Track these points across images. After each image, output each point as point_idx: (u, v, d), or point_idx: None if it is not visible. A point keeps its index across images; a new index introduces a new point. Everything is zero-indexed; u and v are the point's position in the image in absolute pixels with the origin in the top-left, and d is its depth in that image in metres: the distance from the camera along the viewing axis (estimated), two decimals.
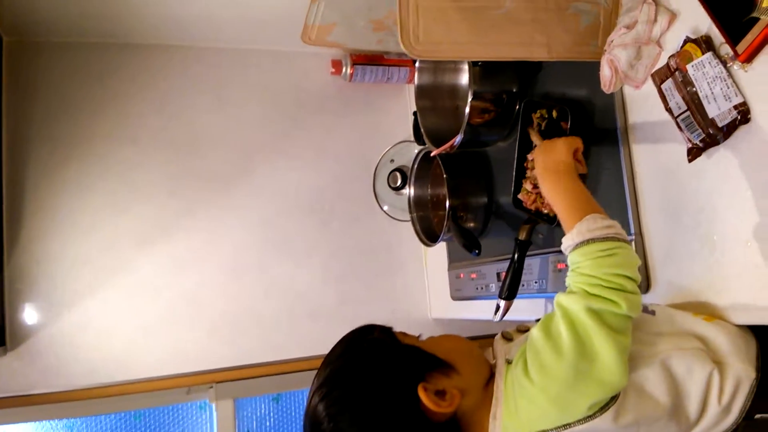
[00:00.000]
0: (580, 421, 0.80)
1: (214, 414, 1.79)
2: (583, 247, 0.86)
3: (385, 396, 0.84)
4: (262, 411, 1.88)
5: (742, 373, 0.88)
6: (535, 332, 0.84)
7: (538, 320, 1.03)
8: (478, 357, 0.93)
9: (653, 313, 0.94)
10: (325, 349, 0.93)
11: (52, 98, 1.75)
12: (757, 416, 0.90)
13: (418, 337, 0.96)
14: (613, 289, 0.81)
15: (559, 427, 0.81)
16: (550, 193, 1.01)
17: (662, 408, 0.84)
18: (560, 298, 0.84)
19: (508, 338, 0.99)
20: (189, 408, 1.83)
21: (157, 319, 1.74)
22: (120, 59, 1.82)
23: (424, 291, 2.02)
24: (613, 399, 0.81)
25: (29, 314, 1.65)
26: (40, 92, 1.74)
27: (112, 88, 1.80)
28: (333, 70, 1.94)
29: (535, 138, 1.22)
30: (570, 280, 0.86)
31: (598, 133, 1.17)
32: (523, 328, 1.03)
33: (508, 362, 0.89)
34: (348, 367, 0.88)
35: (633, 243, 1.08)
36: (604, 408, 0.80)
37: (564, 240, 0.90)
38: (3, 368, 1.60)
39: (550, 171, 1.03)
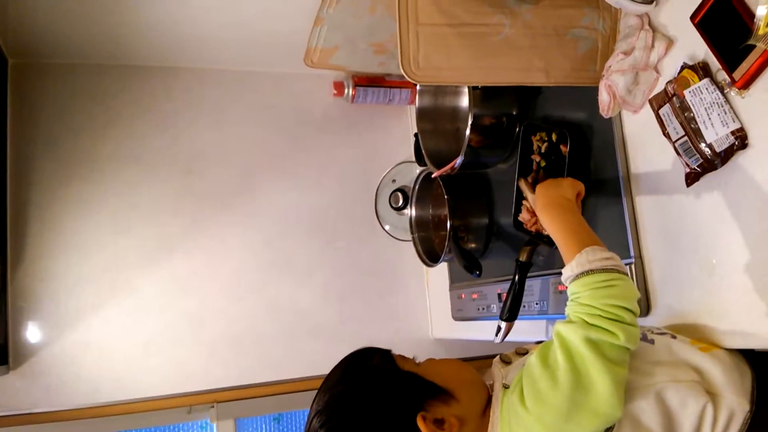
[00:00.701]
0: None
1: None
2: (582, 278, 0.87)
3: (384, 425, 0.85)
4: (263, 431, 1.88)
5: (736, 405, 0.87)
6: (533, 360, 0.85)
7: (538, 342, 1.04)
8: (476, 384, 0.93)
9: (652, 342, 0.94)
10: (327, 368, 0.94)
11: (56, 119, 1.77)
12: None
13: (415, 359, 0.96)
14: (611, 320, 0.81)
15: None
16: (551, 226, 1.02)
17: None
18: (559, 327, 0.85)
19: (506, 361, 0.99)
20: (190, 428, 1.83)
21: (158, 339, 1.75)
22: (123, 81, 1.84)
23: (426, 311, 2.02)
24: (608, 430, 0.81)
25: (32, 333, 1.66)
26: (44, 113, 1.76)
27: (116, 109, 1.82)
28: (335, 91, 1.96)
29: (526, 190, 1.23)
30: (569, 309, 0.87)
31: (596, 156, 1.18)
32: (521, 351, 1.03)
33: (505, 387, 0.90)
34: (347, 395, 0.88)
35: (633, 266, 1.08)
36: None
37: (564, 271, 0.91)
38: (6, 387, 1.61)
39: (553, 205, 1.05)
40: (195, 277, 1.81)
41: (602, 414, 0.79)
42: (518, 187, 1.31)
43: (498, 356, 1.01)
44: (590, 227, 0.99)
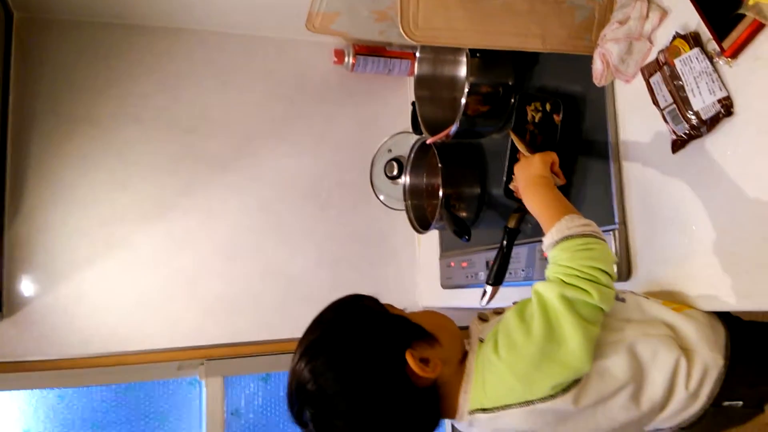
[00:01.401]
0: (542, 400, 0.84)
1: (204, 391, 1.82)
2: (562, 243, 0.91)
3: (372, 359, 0.88)
4: (251, 390, 1.91)
5: (709, 360, 0.91)
6: (509, 314, 0.89)
7: (515, 303, 1.08)
8: (455, 333, 0.97)
9: (623, 300, 0.98)
10: None
11: (59, 74, 1.78)
12: (725, 403, 0.93)
13: (403, 310, 1.00)
14: (587, 280, 0.85)
15: (522, 403, 0.85)
16: (530, 204, 1.07)
17: (623, 390, 0.88)
18: (537, 285, 0.89)
19: (483, 319, 1.04)
20: (179, 384, 1.86)
21: (151, 294, 1.77)
22: (127, 40, 1.85)
23: (416, 279, 2.06)
24: (576, 382, 0.85)
25: (27, 282, 1.68)
26: (47, 68, 1.77)
27: (118, 67, 1.83)
28: (335, 59, 1.98)
29: (521, 147, 1.25)
30: (548, 271, 0.90)
31: (588, 125, 1.21)
32: (499, 311, 1.07)
33: (481, 341, 0.93)
34: (338, 330, 0.91)
35: (616, 232, 1.11)
36: (566, 390, 0.84)
37: (544, 239, 0.95)
38: None
39: (529, 185, 1.09)
40: (190, 236, 1.83)
41: (571, 366, 0.83)
42: (511, 155, 1.34)
43: (477, 314, 1.05)
44: (569, 199, 1.03)
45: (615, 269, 0.91)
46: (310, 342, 0.90)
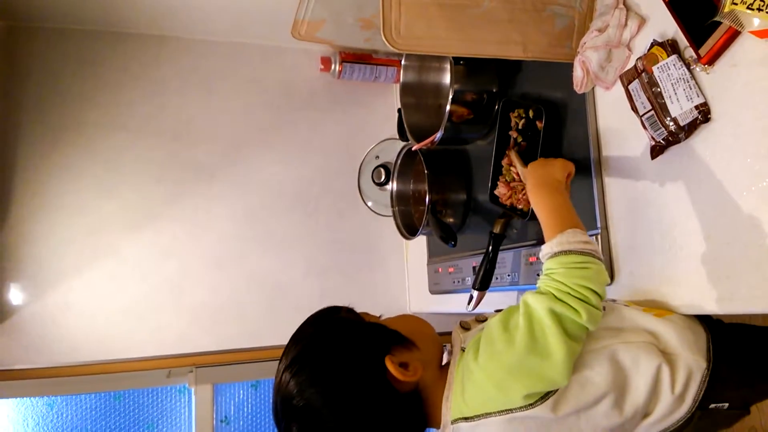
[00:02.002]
0: (520, 408, 0.86)
1: (193, 398, 1.82)
2: (559, 257, 0.91)
3: (354, 369, 0.89)
4: (241, 397, 1.91)
5: (692, 363, 0.93)
6: (494, 323, 0.90)
7: (497, 311, 1.09)
8: (433, 338, 0.99)
9: (603, 309, 0.97)
10: None
11: (44, 83, 1.78)
12: (712, 405, 0.94)
13: (379, 317, 1.01)
14: (578, 299, 0.85)
15: (501, 411, 0.86)
16: (538, 204, 1.04)
17: (605, 398, 0.89)
18: (527, 296, 0.89)
19: (465, 327, 1.04)
20: (168, 391, 1.86)
21: (139, 303, 1.78)
22: (113, 47, 1.85)
23: (404, 285, 2.06)
24: (552, 391, 0.86)
25: (14, 291, 1.68)
26: (32, 77, 1.77)
27: (104, 75, 1.84)
28: (322, 66, 1.99)
29: (516, 161, 1.26)
30: (541, 283, 0.91)
31: (569, 131, 1.22)
32: (481, 318, 1.07)
33: (463, 350, 0.94)
34: (318, 344, 0.92)
35: (599, 237, 1.13)
36: (543, 398, 0.86)
37: (543, 247, 0.95)
38: None
39: (544, 185, 1.06)
40: (177, 244, 1.84)
41: (548, 379, 0.84)
42: (495, 162, 1.35)
43: (458, 323, 1.06)
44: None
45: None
46: (292, 359, 0.91)
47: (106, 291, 1.75)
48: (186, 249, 1.84)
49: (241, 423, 1.91)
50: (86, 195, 1.77)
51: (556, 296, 0.86)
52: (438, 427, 0.93)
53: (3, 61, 1.74)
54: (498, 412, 0.87)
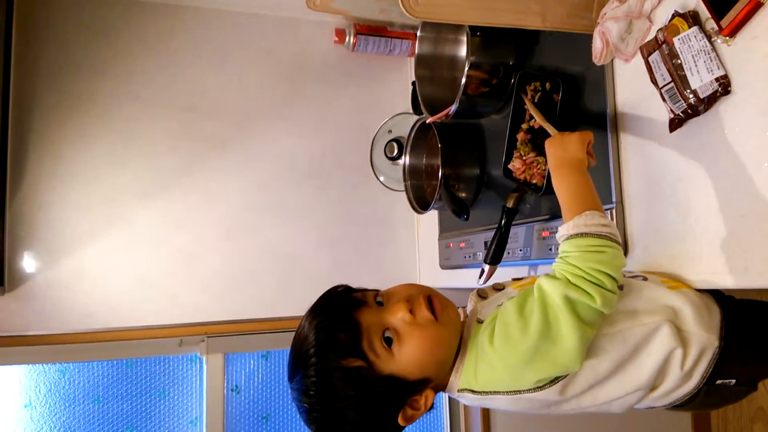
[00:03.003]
0: (528, 390, 0.87)
1: (204, 367, 1.84)
2: (575, 239, 0.89)
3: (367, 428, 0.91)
4: (251, 367, 1.93)
5: (705, 341, 0.92)
6: (509, 306, 0.89)
7: (514, 279, 1.08)
8: (449, 344, 0.93)
9: (621, 287, 0.96)
10: None
11: (59, 52, 1.78)
12: (718, 382, 0.95)
13: (376, 294, 0.96)
14: (593, 283, 0.84)
15: (509, 392, 0.88)
16: (559, 186, 1.01)
17: (611, 376, 0.90)
18: (542, 281, 0.88)
19: (483, 296, 1.03)
20: (180, 360, 1.88)
21: (152, 271, 1.79)
22: (128, 17, 1.85)
23: (415, 260, 2.07)
24: (562, 376, 0.87)
25: (28, 258, 1.70)
26: (48, 46, 1.77)
27: (118, 45, 1.84)
28: (336, 38, 1.98)
29: (541, 121, 1.22)
30: (556, 266, 0.89)
31: (586, 104, 1.21)
32: (499, 287, 1.07)
33: (479, 322, 0.94)
34: (327, 398, 0.90)
35: (614, 211, 1.12)
36: (552, 383, 0.87)
37: (560, 229, 0.93)
38: (1, 308, 1.65)
39: (563, 165, 1.02)
40: (190, 214, 1.85)
41: (561, 365, 0.85)
42: (510, 136, 1.34)
43: (475, 290, 1.05)
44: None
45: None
46: (306, 385, 0.90)
47: (120, 259, 1.77)
48: (199, 219, 1.85)
49: (252, 393, 1.93)
50: (100, 164, 1.78)
51: (570, 281, 0.85)
52: (442, 389, 0.95)
53: (19, 30, 1.73)
54: (506, 392, 0.88)
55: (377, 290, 0.97)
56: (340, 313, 0.90)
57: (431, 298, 0.93)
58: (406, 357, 0.88)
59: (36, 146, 1.73)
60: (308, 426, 0.93)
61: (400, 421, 0.90)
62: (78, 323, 1.71)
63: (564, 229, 0.92)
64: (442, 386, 0.94)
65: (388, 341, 0.88)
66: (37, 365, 1.77)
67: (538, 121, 1.20)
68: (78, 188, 1.75)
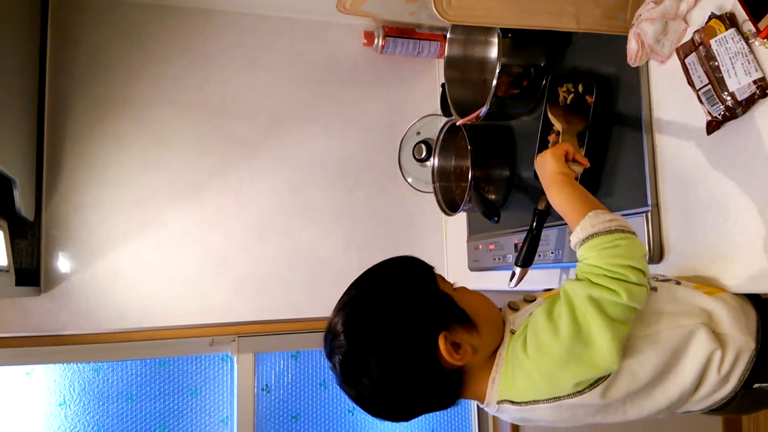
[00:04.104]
0: (568, 396, 0.86)
1: (235, 367, 1.87)
2: (588, 242, 0.89)
3: (408, 331, 0.90)
4: (281, 367, 1.95)
5: (742, 344, 0.91)
6: (539, 312, 0.89)
7: (546, 290, 1.08)
8: (498, 324, 0.97)
9: (655, 289, 0.96)
10: None
11: (93, 56, 1.81)
12: (756, 385, 0.93)
13: (453, 285, 1.01)
14: (615, 279, 0.84)
15: (549, 399, 0.87)
16: (554, 204, 1.05)
17: (653, 381, 0.89)
18: (566, 284, 0.88)
19: (514, 308, 1.03)
20: (211, 359, 1.91)
21: (185, 272, 1.82)
22: (160, 21, 1.88)
23: (443, 262, 2.07)
24: (602, 378, 0.86)
25: (63, 259, 1.73)
26: (82, 49, 1.80)
27: (151, 49, 1.86)
28: (365, 41, 1.99)
29: (555, 121, 1.25)
30: (577, 270, 0.90)
31: (621, 107, 1.20)
32: (530, 298, 1.07)
33: (512, 332, 0.94)
34: (382, 294, 0.93)
35: (649, 214, 1.11)
36: (593, 385, 0.86)
37: (571, 238, 0.94)
38: (37, 308, 1.69)
39: (551, 183, 1.06)
40: (221, 216, 1.87)
41: (598, 366, 0.84)
42: (541, 138, 1.34)
43: (507, 303, 1.06)
44: (601, 182, 1.00)
45: (647, 259, 0.91)
46: (355, 295, 0.94)
47: (153, 260, 1.79)
48: (230, 221, 1.88)
49: (281, 392, 1.95)
50: (134, 166, 1.81)
51: (592, 281, 0.85)
52: (479, 401, 0.95)
53: (53, 35, 1.77)
54: (546, 399, 0.88)
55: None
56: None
57: None
58: (464, 295, 0.98)
59: (71, 149, 1.76)
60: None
61: (440, 340, 0.88)
62: (112, 323, 1.74)
63: (575, 237, 0.92)
64: (480, 396, 0.94)
65: None
66: (71, 364, 1.80)
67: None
68: (112, 190, 1.78)
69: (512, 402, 0.90)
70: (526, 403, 0.89)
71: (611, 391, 0.87)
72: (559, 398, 0.87)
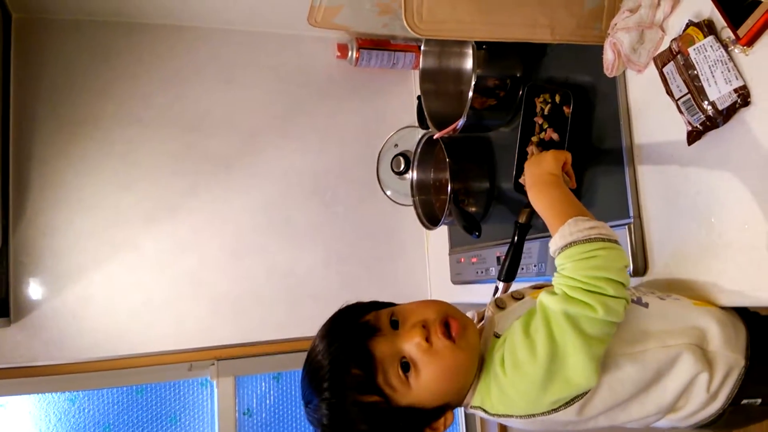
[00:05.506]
0: (543, 414, 0.83)
1: (215, 391, 1.82)
2: (566, 250, 0.85)
3: None
4: (263, 389, 1.90)
5: (732, 362, 0.89)
6: (516, 327, 0.86)
7: (534, 287, 1.05)
8: (468, 369, 0.89)
9: (647, 305, 0.93)
10: None
11: (59, 76, 1.76)
12: (744, 401, 0.91)
13: (391, 313, 0.91)
14: (591, 292, 0.80)
15: (524, 416, 0.85)
16: (537, 204, 1.00)
17: (632, 398, 0.87)
18: (543, 297, 0.84)
19: (501, 306, 0.98)
20: (190, 384, 1.86)
21: (159, 296, 1.76)
22: (127, 39, 1.83)
23: (425, 275, 2.04)
24: (579, 396, 0.83)
25: (33, 287, 1.67)
26: (47, 69, 1.75)
27: (119, 67, 1.81)
28: (339, 54, 1.95)
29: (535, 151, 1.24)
30: (554, 281, 0.86)
31: (599, 117, 1.18)
32: (518, 296, 1.03)
33: (496, 336, 0.90)
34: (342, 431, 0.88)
35: (631, 226, 1.09)
36: (568, 404, 0.83)
37: (550, 245, 0.90)
38: (7, 340, 1.63)
39: (537, 182, 1.02)
40: (196, 236, 1.82)
41: (575, 384, 0.81)
42: (520, 149, 1.31)
43: (493, 300, 1.01)
44: (582, 194, 0.97)
45: (630, 269, 0.88)
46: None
47: (126, 284, 1.74)
48: (205, 241, 1.83)
49: (264, 415, 1.90)
50: (104, 188, 1.75)
51: (568, 294, 0.81)
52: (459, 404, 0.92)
53: (17, 54, 1.72)
54: (520, 416, 0.85)
55: (392, 306, 0.93)
56: (353, 345, 0.85)
57: (449, 321, 0.88)
58: (424, 387, 0.85)
59: (38, 173, 1.70)
60: None
61: None
62: (86, 351, 1.68)
63: (553, 244, 0.88)
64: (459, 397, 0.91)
65: (405, 367, 0.85)
66: (46, 394, 1.74)
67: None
68: (82, 214, 1.72)
69: (485, 411, 0.88)
70: (500, 416, 0.87)
71: (587, 408, 0.85)
72: (533, 415, 0.84)
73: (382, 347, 0.85)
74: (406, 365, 0.85)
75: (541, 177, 1.02)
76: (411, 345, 0.85)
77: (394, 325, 0.89)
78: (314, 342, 0.91)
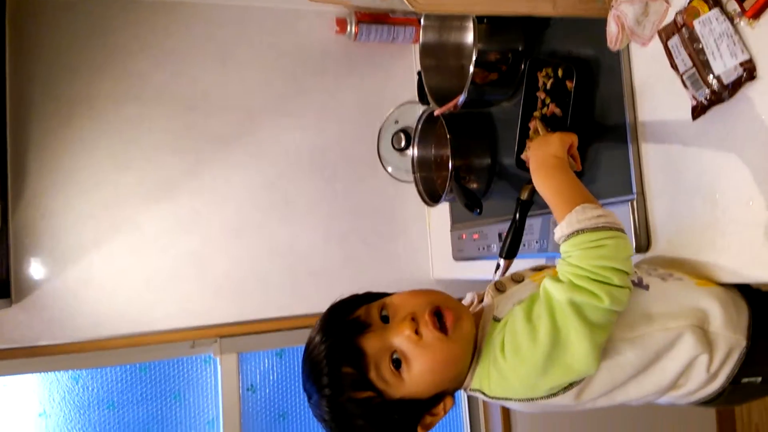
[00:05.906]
0: (542, 398, 0.84)
1: (219, 368, 1.83)
2: (573, 238, 0.85)
3: None
4: (266, 366, 1.92)
5: (733, 343, 0.89)
6: (518, 312, 0.85)
7: (534, 269, 1.04)
8: (462, 359, 0.89)
9: (647, 287, 0.92)
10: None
11: (55, 56, 1.74)
12: (744, 380, 0.91)
13: (382, 306, 0.91)
14: (598, 281, 0.80)
15: (522, 399, 0.86)
16: (541, 188, 0.99)
17: (630, 380, 0.87)
18: (547, 284, 0.84)
19: (501, 289, 0.98)
20: (194, 361, 1.87)
21: (161, 275, 1.76)
22: (123, 16, 1.80)
23: (427, 252, 2.03)
24: (577, 381, 0.84)
25: (34, 268, 1.67)
26: (43, 50, 1.73)
27: (115, 45, 1.79)
28: (338, 29, 1.93)
29: (542, 130, 1.21)
30: (559, 268, 0.86)
31: (602, 91, 1.17)
32: (518, 278, 1.03)
33: (495, 319, 0.90)
34: (341, 425, 0.88)
35: (634, 203, 1.08)
36: (566, 389, 0.84)
37: (555, 231, 0.89)
38: (8, 320, 1.63)
39: (542, 166, 1.01)
40: (196, 215, 1.81)
41: (575, 370, 0.81)
42: (522, 124, 1.30)
43: (492, 283, 1.01)
44: (585, 170, 0.96)
45: (633, 246, 0.87)
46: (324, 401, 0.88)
47: (127, 264, 1.74)
48: (205, 220, 1.82)
49: (267, 391, 1.92)
50: (102, 168, 1.74)
51: (574, 282, 0.81)
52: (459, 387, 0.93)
53: (13, 36, 1.69)
54: (518, 399, 0.86)
55: (384, 298, 0.93)
56: (343, 343, 0.85)
57: (441, 311, 0.87)
58: (417, 379, 0.85)
59: (36, 154, 1.69)
60: None
61: (419, 430, 0.88)
62: (88, 331, 1.69)
63: (559, 231, 0.88)
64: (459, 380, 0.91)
65: (397, 363, 0.85)
66: (49, 374, 1.75)
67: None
68: (81, 194, 1.72)
69: (484, 394, 0.89)
70: (498, 398, 0.88)
71: (586, 392, 0.86)
72: (532, 399, 0.85)
73: (372, 343, 0.85)
74: (397, 361, 0.85)
75: (546, 160, 1.01)
76: (401, 338, 0.85)
77: (385, 319, 0.89)
78: (312, 332, 0.91)
